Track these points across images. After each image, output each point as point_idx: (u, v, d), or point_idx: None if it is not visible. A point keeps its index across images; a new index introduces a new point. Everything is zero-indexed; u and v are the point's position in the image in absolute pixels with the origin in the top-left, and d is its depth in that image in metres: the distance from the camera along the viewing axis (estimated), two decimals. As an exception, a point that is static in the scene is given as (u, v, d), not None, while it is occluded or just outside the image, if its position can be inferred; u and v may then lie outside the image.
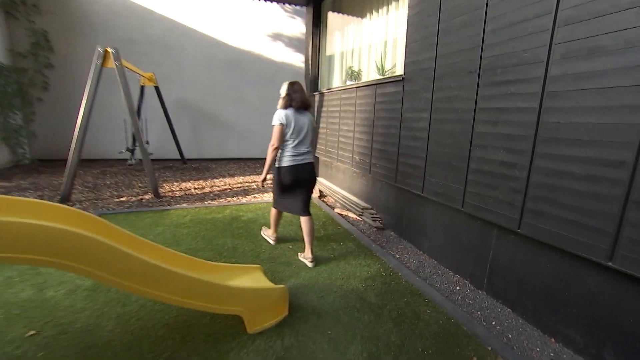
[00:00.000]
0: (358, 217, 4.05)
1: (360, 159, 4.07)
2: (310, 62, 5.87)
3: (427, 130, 2.80)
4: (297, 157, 2.61)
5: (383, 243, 3.37)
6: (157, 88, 6.84)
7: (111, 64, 4.29)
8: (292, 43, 8.53)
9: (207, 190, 5.21)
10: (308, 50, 5.95)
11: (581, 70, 1.65)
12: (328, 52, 5.54)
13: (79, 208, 4.15)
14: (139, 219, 3.73)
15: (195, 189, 5.27)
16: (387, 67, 3.91)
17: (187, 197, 4.73)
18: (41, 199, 4.23)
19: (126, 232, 1.90)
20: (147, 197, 4.67)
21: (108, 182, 5.50)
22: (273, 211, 2.97)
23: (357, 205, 4.11)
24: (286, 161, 2.61)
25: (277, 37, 8.45)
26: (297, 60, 8.55)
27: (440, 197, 2.69)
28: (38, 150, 7.28)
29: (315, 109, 5.62)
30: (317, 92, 5.58)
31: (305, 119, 2.63)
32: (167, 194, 4.87)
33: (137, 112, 6.86)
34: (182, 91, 7.97)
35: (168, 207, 4.22)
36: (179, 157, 7.66)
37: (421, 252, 3.11)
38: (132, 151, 6.70)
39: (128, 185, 5.36)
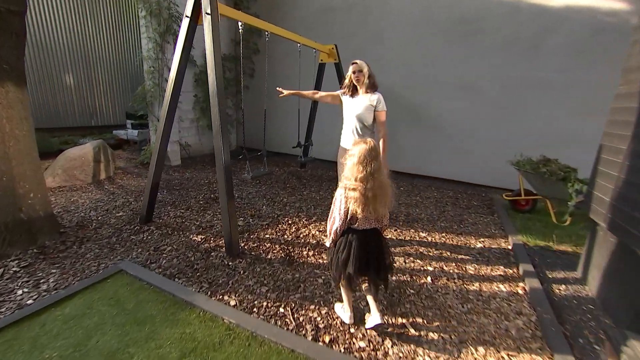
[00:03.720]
0: None
1: None
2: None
3: None
4: None
5: None
6: (337, 65, 4.86)
7: (201, 20, 2.52)
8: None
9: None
10: None
11: None
12: None
13: (136, 242, 2.23)
14: (146, 313, 1.84)
15: (314, 254, 2.84)
16: None
17: (274, 278, 2.43)
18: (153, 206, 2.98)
19: None
20: (222, 245, 2.76)
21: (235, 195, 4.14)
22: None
23: None
24: None
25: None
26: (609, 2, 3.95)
27: None
28: (243, 137, 7.32)
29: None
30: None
31: None
32: (256, 249, 2.75)
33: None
34: (377, 71, 5.56)
35: (208, 299, 2.09)
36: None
37: None
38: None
39: (240, 206, 3.75)
